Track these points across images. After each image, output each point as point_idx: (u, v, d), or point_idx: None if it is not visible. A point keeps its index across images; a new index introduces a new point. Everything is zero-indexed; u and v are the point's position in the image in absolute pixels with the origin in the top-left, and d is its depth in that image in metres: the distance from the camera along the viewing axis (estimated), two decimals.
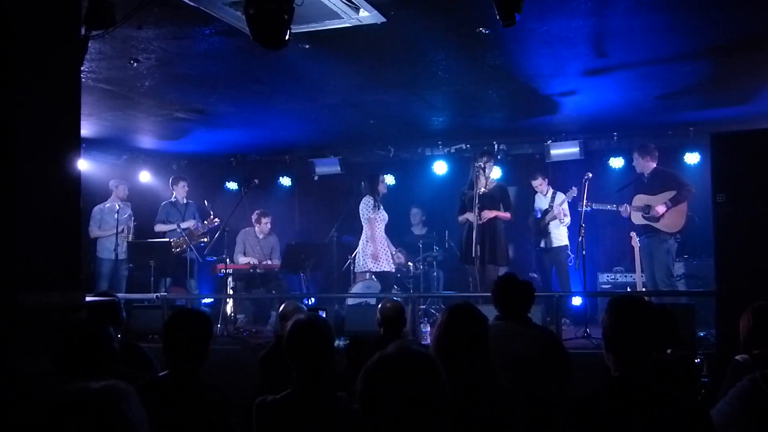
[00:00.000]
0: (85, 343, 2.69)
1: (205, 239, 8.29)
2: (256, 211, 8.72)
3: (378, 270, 7.87)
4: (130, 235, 8.42)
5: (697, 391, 3.38)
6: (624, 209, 7.20)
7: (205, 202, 8.55)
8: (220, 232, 7.91)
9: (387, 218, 8.09)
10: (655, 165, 7.20)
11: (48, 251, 3.10)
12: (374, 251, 7.84)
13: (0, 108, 2.95)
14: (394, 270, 8.12)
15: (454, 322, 2.69)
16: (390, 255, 8.02)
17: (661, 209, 6.94)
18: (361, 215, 8.02)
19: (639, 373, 2.18)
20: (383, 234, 8.01)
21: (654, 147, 7.32)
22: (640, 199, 7.11)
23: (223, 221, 8.03)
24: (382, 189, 8.05)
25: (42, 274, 3.05)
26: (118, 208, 8.26)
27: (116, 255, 8.15)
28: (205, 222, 8.36)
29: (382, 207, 8.03)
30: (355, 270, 8.05)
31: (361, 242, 8.02)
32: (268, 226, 8.72)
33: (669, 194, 6.98)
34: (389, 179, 9.58)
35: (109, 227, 8.26)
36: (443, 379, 1.58)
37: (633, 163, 7.28)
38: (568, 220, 7.87)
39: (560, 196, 7.87)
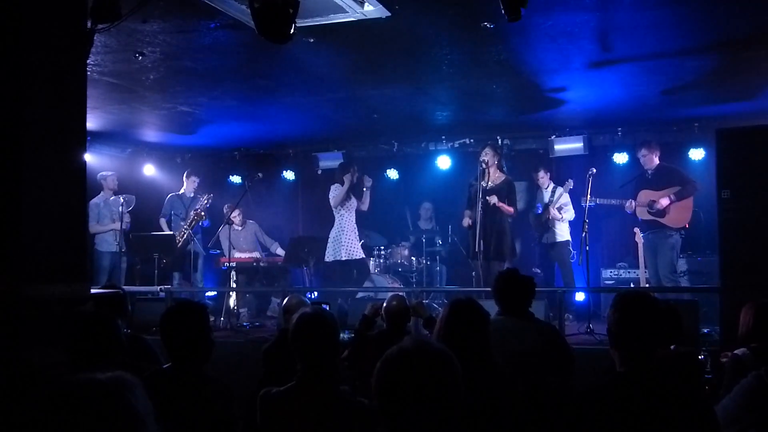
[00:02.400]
0: (96, 333, 2.72)
1: (204, 216, 8.26)
2: (225, 206, 8.60)
3: (339, 259, 7.86)
4: (127, 226, 8.39)
5: (702, 387, 3.38)
6: (629, 204, 7.19)
7: (195, 181, 8.59)
8: (223, 225, 7.92)
9: (354, 205, 8.02)
10: (658, 160, 7.19)
11: (53, 244, 3.12)
12: (343, 240, 7.85)
13: (7, 101, 2.97)
14: (359, 258, 7.99)
15: (456, 317, 2.70)
16: (353, 243, 7.93)
17: (664, 201, 6.93)
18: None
19: (644, 369, 2.18)
20: (353, 223, 7.96)
21: (656, 142, 7.31)
22: (645, 195, 7.10)
23: (226, 215, 8.04)
24: (354, 179, 7.94)
25: (47, 267, 3.07)
26: (122, 201, 8.26)
27: (119, 247, 8.17)
28: (202, 203, 8.34)
29: (351, 195, 7.97)
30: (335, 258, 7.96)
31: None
32: (237, 219, 8.65)
33: (673, 189, 6.98)
34: (392, 173, 9.58)
35: (108, 221, 8.26)
36: (459, 374, 1.59)
37: (641, 159, 7.23)
38: (569, 215, 7.86)
39: (559, 191, 7.87)
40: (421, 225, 9.26)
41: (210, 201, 8.29)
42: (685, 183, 6.99)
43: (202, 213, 8.19)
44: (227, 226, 8.07)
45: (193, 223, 8.14)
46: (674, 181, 7.03)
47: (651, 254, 7.11)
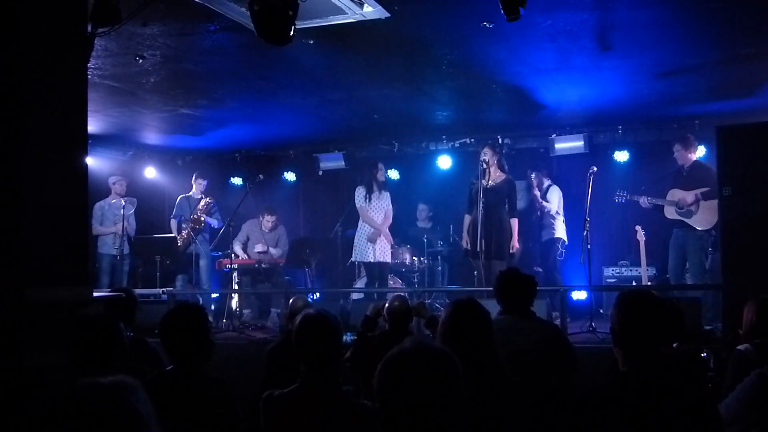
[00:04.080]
0: (98, 336, 2.72)
1: (203, 220, 8.32)
2: (264, 205, 8.79)
3: (362, 260, 7.86)
4: (132, 231, 8.46)
5: (704, 385, 3.38)
6: (642, 201, 7.15)
7: (201, 183, 8.68)
8: (225, 227, 7.94)
9: (387, 208, 7.91)
10: (695, 157, 7.13)
11: (55, 247, 3.12)
12: (358, 241, 7.85)
13: (8, 105, 2.97)
14: (386, 261, 7.91)
15: (458, 318, 2.70)
16: (383, 245, 7.84)
17: (690, 199, 6.88)
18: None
19: (648, 368, 2.18)
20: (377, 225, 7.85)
21: (694, 138, 7.19)
22: (674, 194, 7.02)
23: (227, 216, 8.06)
24: (380, 177, 7.91)
25: (49, 270, 3.07)
26: (123, 204, 8.30)
27: (121, 251, 8.21)
28: (201, 206, 8.40)
29: (381, 195, 7.87)
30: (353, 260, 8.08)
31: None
32: (269, 224, 8.73)
33: (703, 189, 6.84)
34: (393, 174, 9.58)
35: (110, 223, 8.32)
36: (460, 375, 1.59)
37: (675, 153, 7.15)
38: (549, 206, 8.04)
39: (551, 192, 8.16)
40: (419, 225, 9.26)
41: (208, 205, 8.34)
42: (715, 184, 6.88)
43: (202, 218, 8.26)
44: (258, 220, 8.33)
45: (194, 227, 8.19)
46: (706, 181, 6.85)
47: (677, 251, 7.01)
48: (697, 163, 7.11)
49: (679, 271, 7.00)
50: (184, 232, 8.27)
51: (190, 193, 8.76)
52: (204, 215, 8.36)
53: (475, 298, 3.03)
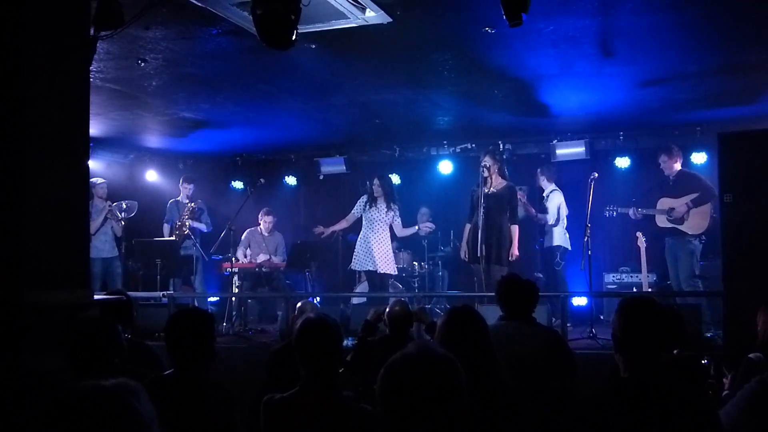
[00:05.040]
0: (95, 339, 2.72)
1: (188, 224, 8.33)
2: (263, 209, 8.80)
3: (361, 269, 7.87)
4: (120, 230, 8.40)
5: (705, 391, 3.37)
6: (632, 212, 7.23)
7: (187, 187, 8.69)
8: (226, 231, 7.94)
9: (385, 218, 7.82)
10: (679, 166, 7.20)
11: (56, 250, 3.12)
12: (356, 250, 7.84)
13: (10, 107, 2.98)
14: (385, 272, 7.78)
15: (454, 326, 2.70)
16: (383, 256, 7.74)
17: (682, 209, 6.94)
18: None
19: (649, 374, 2.18)
20: (375, 234, 7.78)
21: (678, 148, 7.32)
22: (663, 203, 7.13)
23: (228, 220, 8.06)
24: (373, 191, 7.87)
25: (50, 273, 3.07)
26: (125, 206, 8.30)
27: (113, 253, 8.20)
28: (185, 212, 8.42)
29: (381, 209, 7.83)
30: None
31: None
32: (269, 225, 8.74)
33: (692, 196, 6.97)
34: (395, 179, 9.57)
35: (95, 225, 8.29)
36: (463, 380, 1.59)
37: (661, 164, 7.26)
38: (545, 217, 8.03)
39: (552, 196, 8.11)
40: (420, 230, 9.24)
41: (193, 210, 8.35)
42: (703, 189, 6.96)
43: (187, 223, 8.27)
44: (258, 227, 8.39)
45: (181, 231, 8.20)
46: (693, 187, 7.00)
47: (672, 259, 7.13)
48: (682, 172, 7.22)
49: (680, 280, 7.03)
50: (174, 235, 8.30)
51: (179, 197, 8.78)
52: (189, 220, 8.35)
53: (471, 305, 3.03)
